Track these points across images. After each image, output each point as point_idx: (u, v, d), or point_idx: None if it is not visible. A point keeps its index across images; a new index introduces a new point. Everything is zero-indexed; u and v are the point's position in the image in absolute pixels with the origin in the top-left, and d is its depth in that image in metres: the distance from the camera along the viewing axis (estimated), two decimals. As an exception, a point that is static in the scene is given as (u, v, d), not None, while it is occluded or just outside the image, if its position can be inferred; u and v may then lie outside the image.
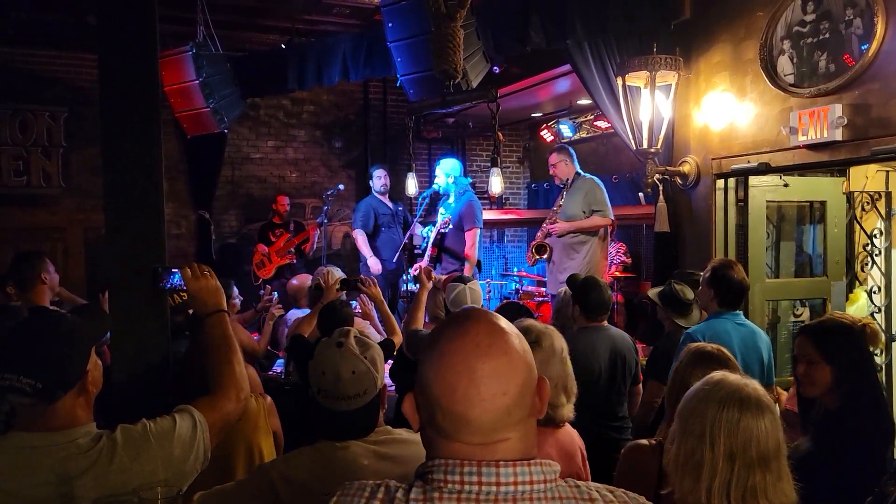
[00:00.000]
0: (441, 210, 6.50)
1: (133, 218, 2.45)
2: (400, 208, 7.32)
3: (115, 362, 2.45)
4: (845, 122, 3.97)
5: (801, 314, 5.25)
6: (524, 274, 8.11)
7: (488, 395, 1.06)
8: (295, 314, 4.72)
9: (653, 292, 4.04)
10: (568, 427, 2.44)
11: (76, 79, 7.40)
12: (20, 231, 7.24)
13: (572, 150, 5.91)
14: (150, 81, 2.51)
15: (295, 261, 7.48)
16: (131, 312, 2.39)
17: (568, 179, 5.77)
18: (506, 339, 1.11)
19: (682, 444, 1.73)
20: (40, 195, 7.42)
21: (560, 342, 2.38)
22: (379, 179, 7.18)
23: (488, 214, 8.42)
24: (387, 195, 7.24)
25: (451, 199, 6.47)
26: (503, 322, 1.14)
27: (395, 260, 6.73)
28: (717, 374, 1.81)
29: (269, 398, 2.84)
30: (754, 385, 1.75)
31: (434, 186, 6.56)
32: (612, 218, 5.68)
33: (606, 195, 5.70)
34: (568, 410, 2.36)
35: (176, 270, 2.13)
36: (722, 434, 1.67)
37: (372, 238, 7.08)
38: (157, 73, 2.55)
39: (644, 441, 2.29)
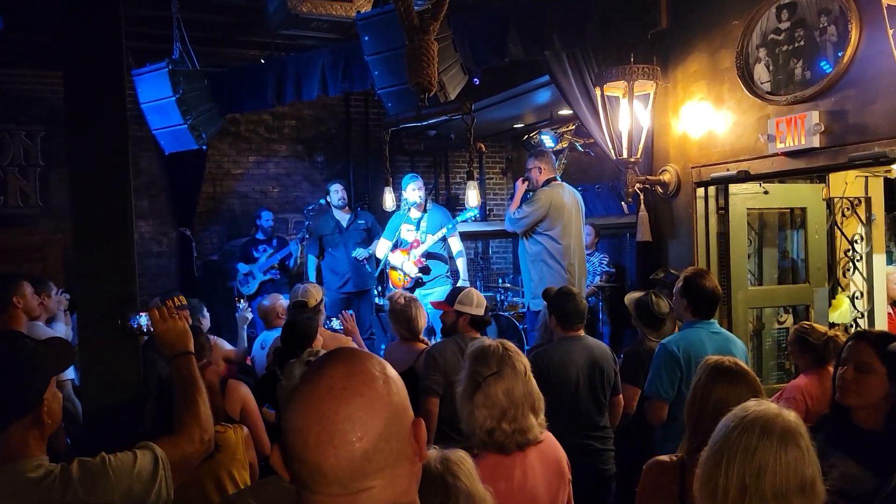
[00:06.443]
0: (409, 227, 6.50)
1: (103, 244, 2.41)
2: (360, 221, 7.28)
3: (84, 391, 2.40)
4: (822, 128, 3.97)
5: (784, 321, 5.26)
6: (509, 286, 8.08)
7: (341, 443, 0.99)
8: (271, 336, 4.61)
9: (630, 299, 4.02)
10: (549, 438, 2.43)
11: (53, 98, 7.32)
12: (-2, 252, 7.16)
13: (552, 157, 5.72)
14: (117, 104, 2.47)
15: (277, 277, 7.42)
16: (101, 340, 2.34)
17: (538, 188, 5.51)
18: (364, 381, 1.04)
19: (704, 466, 1.64)
20: (18, 215, 7.34)
21: (521, 362, 2.36)
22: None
23: (473, 226, 8.40)
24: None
25: (420, 214, 6.50)
26: (371, 363, 1.07)
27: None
28: (754, 402, 1.69)
29: (246, 429, 2.80)
30: (789, 416, 1.62)
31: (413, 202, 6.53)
32: (515, 224, 5.36)
33: (538, 210, 5.32)
34: (539, 426, 2.35)
35: (143, 313, 2.11)
36: (736, 460, 1.56)
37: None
38: (125, 95, 2.51)
39: (664, 457, 2.25)
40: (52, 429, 1.72)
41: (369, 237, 7.11)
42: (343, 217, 7.16)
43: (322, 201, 7.28)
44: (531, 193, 5.59)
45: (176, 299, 2.12)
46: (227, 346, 4.80)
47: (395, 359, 4.03)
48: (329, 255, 7.09)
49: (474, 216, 6.22)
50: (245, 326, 5.04)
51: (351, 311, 4.72)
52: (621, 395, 3.78)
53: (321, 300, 4.38)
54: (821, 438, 2.41)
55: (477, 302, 3.80)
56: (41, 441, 1.68)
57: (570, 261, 5.39)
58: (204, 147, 6.50)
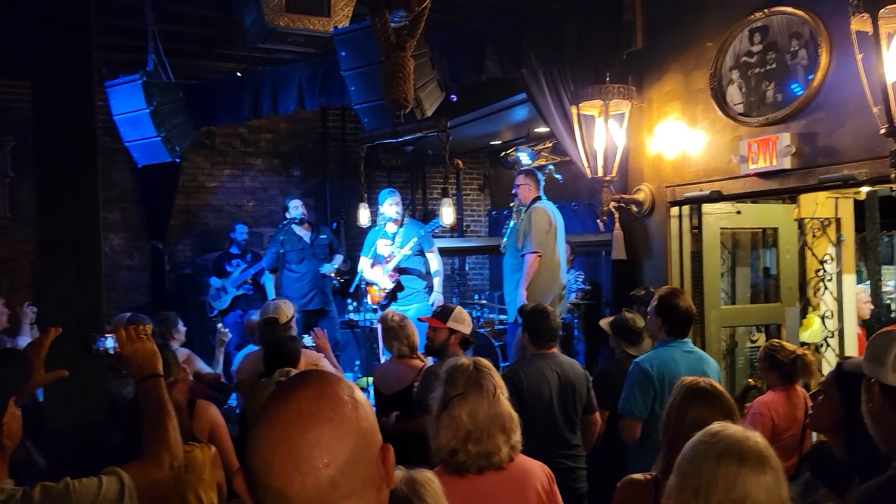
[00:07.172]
0: (385, 242, 6.49)
1: (69, 259, 2.36)
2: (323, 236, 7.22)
3: (48, 411, 2.34)
4: (793, 150, 4.02)
5: (757, 340, 5.30)
6: (485, 303, 8.07)
7: (308, 468, 0.97)
8: (247, 350, 4.58)
9: (605, 322, 4.05)
10: (521, 462, 2.37)
11: (23, 108, 7.19)
12: (-36, 264, 7.01)
13: (540, 176, 5.87)
14: (86, 114, 2.43)
15: (251, 292, 7.34)
16: (65, 358, 2.28)
17: (524, 205, 5.71)
18: (333, 405, 1.01)
19: (679, 498, 1.61)
20: (-14, 226, 7.20)
21: (491, 381, 2.33)
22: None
23: (450, 242, 8.40)
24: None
25: (396, 229, 6.52)
26: (340, 386, 1.05)
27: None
28: (717, 426, 1.68)
29: (213, 448, 2.74)
30: (756, 438, 1.63)
31: (389, 217, 6.53)
32: (532, 251, 5.42)
33: (542, 226, 5.46)
34: (510, 449, 2.30)
35: (109, 335, 2.05)
36: (717, 490, 1.55)
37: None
38: (94, 105, 2.47)
39: (639, 476, 2.25)
40: (12, 449, 1.68)
41: (331, 251, 7.09)
42: (305, 233, 7.09)
43: (297, 216, 7.21)
44: (512, 208, 5.76)
45: (141, 327, 2.04)
46: (203, 366, 4.74)
47: (394, 376, 4.01)
48: (291, 271, 6.98)
49: (439, 226, 6.35)
50: (222, 348, 5.02)
51: (324, 328, 4.67)
52: (597, 414, 3.77)
53: (292, 317, 4.33)
54: (807, 470, 2.42)
55: (468, 321, 3.91)
56: (2, 463, 1.64)
57: (556, 276, 5.51)
58: (177, 160, 6.44)
